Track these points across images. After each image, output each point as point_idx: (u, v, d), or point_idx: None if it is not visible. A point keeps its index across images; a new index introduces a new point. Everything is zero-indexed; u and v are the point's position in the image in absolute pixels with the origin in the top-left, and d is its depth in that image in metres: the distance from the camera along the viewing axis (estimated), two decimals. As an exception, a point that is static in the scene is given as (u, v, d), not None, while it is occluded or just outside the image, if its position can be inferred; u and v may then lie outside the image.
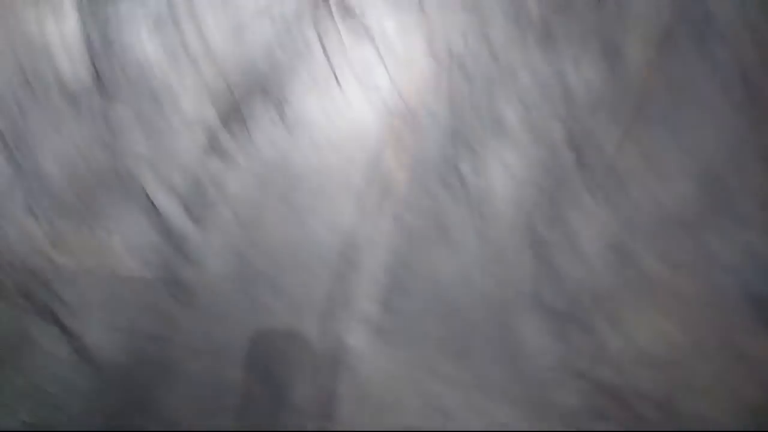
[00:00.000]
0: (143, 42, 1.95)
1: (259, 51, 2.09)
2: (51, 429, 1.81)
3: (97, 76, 1.99)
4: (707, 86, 1.99)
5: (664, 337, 1.87)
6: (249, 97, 2.14)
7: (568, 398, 1.96)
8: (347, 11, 2.20)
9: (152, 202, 2.01)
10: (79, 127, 2.01)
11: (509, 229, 2.37)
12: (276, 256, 2.21)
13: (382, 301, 2.20)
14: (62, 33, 2.02)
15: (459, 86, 2.38)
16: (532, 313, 2.11)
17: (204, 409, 2.04)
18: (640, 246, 2.03)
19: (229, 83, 2.06)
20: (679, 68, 2.05)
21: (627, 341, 1.92)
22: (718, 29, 1.98)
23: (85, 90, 2.01)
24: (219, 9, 1.94)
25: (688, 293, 1.90)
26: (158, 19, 1.94)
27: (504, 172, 2.45)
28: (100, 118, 1.98)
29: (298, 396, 2.16)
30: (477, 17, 2.45)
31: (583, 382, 1.95)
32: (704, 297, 1.88)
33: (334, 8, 2.17)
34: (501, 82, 2.45)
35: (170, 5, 1.97)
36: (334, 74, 2.24)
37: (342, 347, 2.08)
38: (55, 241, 1.97)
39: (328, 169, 2.28)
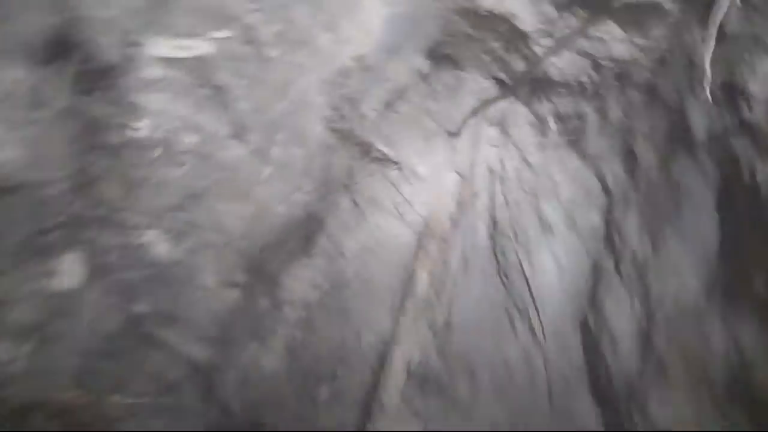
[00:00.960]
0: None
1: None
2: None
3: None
4: (701, 190, 2.23)
5: (682, 424, 2.07)
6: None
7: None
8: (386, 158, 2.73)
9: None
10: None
11: (561, 315, 2.65)
12: (323, 352, 2.50)
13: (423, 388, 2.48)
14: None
15: (500, 196, 2.76)
16: (583, 394, 2.42)
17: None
18: (658, 335, 2.26)
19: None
20: (678, 173, 2.32)
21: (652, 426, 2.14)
22: (702, 142, 2.22)
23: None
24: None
25: (694, 381, 2.09)
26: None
27: (553, 263, 2.74)
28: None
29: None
30: (503, 133, 2.85)
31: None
32: (705, 385, 2.05)
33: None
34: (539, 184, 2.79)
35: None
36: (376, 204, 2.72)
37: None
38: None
39: (370, 276, 2.63)
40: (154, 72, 1.64)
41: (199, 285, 1.88)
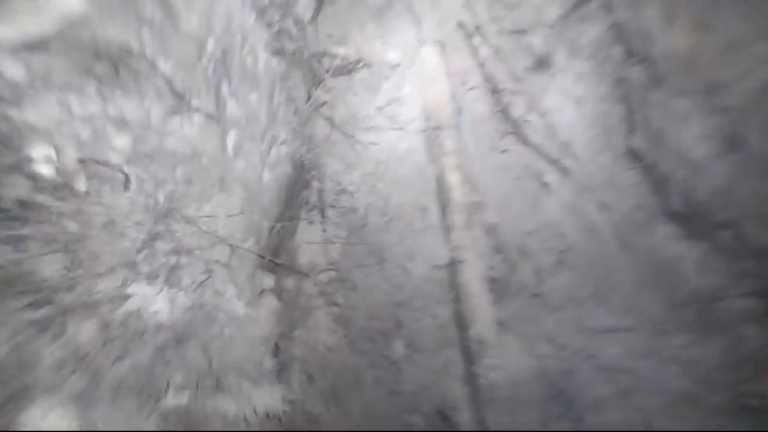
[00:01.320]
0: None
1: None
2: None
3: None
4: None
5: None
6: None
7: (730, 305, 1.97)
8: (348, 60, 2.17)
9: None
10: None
11: (599, 152, 2.31)
12: (376, 305, 2.11)
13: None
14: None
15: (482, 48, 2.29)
16: (659, 222, 2.16)
17: None
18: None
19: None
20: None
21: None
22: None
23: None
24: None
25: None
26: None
27: (565, 99, 2.37)
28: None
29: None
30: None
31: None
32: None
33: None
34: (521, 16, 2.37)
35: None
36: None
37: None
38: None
39: (386, 202, 2.21)
40: (12, 72, 1.06)
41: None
